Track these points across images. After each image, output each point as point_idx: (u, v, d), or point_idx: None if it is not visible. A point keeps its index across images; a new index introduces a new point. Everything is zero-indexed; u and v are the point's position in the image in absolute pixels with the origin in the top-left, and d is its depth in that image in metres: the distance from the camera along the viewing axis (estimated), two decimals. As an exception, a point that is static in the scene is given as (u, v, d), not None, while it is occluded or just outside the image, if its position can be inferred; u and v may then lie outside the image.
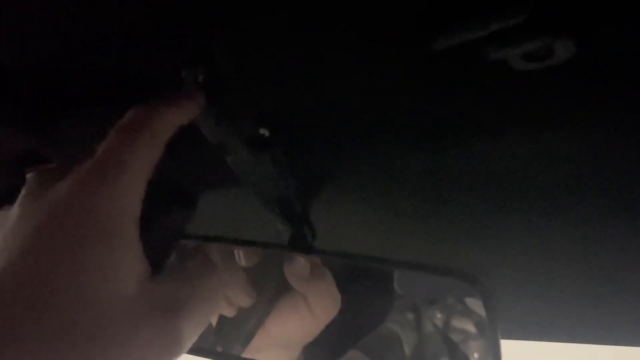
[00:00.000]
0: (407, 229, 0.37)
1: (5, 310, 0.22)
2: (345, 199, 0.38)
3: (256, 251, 0.48)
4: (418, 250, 0.37)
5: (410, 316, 0.53)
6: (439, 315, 0.54)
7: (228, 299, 0.51)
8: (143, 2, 0.28)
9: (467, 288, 0.35)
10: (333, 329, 0.51)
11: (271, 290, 0.51)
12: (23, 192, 0.30)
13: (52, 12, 0.29)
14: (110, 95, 0.37)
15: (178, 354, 0.27)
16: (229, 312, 0.52)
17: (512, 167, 0.32)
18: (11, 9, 0.30)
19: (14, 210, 0.28)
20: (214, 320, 0.53)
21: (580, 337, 0.42)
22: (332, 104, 0.31)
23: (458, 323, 0.53)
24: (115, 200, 0.26)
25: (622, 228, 0.36)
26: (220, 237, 0.41)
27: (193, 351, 0.47)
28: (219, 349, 0.52)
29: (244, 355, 0.51)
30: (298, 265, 0.48)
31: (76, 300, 0.23)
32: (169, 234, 0.32)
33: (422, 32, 0.23)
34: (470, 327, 0.52)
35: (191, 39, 0.31)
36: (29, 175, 0.31)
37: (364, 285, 0.52)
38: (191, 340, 0.28)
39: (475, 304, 0.51)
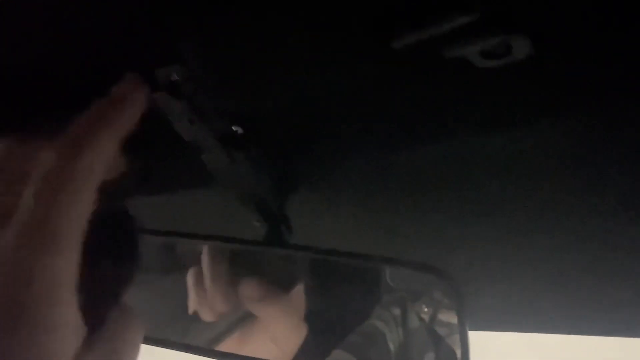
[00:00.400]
0: (377, 224, 0.38)
1: None
2: (320, 196, 0.39)
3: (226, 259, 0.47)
4: (389, 245, 0.37)
5: (396, 311, 0.53)
6: (425, 309, 0.55)
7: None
8: (115, 3, 0.29)
9: (434, 281, 0.36)
10: (316, 330, 0.51)
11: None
12: None
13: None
14: (83, 98, 0.38)
15: None
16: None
17: (478, 160, 0.33)
18: None
19: None
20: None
21: (553, 327, 0.43)
22: (303, 101, 0.32)
23: (444, 316, 0.53)
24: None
25: (595, 220, 0.37)
26: (195, 234, 0.42)
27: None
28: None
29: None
30: (247, 287, 0.46)
31: None
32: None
33: (382, 32, 0.24)
34: (455, 321, 0.52)
35: (163, 38, 0.31)
36: None
37: (347, 283, 0.52)
38: None
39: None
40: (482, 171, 0.34)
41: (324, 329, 0.51)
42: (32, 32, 0.31)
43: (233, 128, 0.35)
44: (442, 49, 0.24)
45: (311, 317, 0.51)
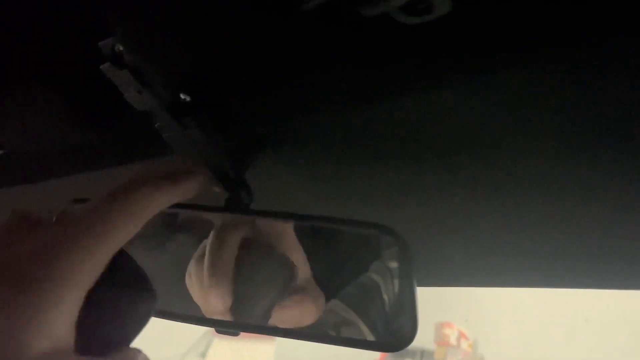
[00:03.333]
0: (332, 185, 0.38)
1: None
2: (276, 160, 0.40)
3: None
4: (343, 206, 0.38)
5: (393, 265, 0.54)
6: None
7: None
8: None
9: (389, 240, 0.37)
10: (317, 281, 0.52)
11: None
12: None
13: None
14: (44, 72, 0.38)
15: None
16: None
17: (421, 121, 0.34)
18: None
19: None
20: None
21: (505, 281, 0.44)
22: (241, 66, 0.32)
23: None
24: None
25: (539, 170, 0.37)
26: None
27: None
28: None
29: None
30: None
31: None
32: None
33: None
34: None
35: (104, 10, 0.32)
36: None
37: (346, 238, 0.53)
38: None
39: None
40: (428, 129, 0.34)
41: (323, 282, 0.52)
42: None
43: (181, 96, 0.36)
44: (358, 7, 0.25)
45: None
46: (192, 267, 0.45)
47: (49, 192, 0.49)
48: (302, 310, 0.48)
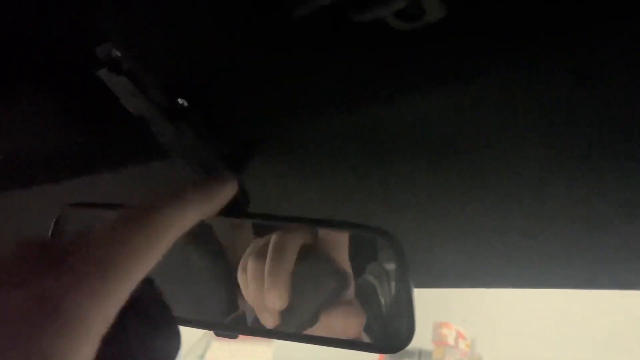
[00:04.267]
0: (326, 189, 0.39)
1: None
2: (272, 163, 0.40)
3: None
4: (338, 208, 0.38)
5: (389, 267, 0.54)
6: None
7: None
8: None
9: (383, 242, 0.37)
10: None
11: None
12: None
13: None
14: (40, 78, 0.39)
15: None
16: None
17: (416, 123, 0.34)
18: None
19: None
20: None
21: (501, 282, 0.44)
22: (237, 71, 0.32)
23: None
24: None
25: (535, 174, 0.38)
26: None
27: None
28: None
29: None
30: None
31: None
32: None
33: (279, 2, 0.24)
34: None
35: (100, 15, 0.32)
36: None
37: None
38: None
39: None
40: (423, 131, 0.35)
41: None
42: None
43: (179, 101, 0.36)
44: (348, 13, 0.25)
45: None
46: (249, 265, 0.45)
47: (44, 197, 0.49)
48: (347, 322, 0.48)
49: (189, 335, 3.48)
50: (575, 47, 0.28)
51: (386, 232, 0.36)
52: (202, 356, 3.46)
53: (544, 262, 0.45)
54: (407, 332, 0.37)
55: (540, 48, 0.27)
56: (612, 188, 0.40)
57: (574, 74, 0.30)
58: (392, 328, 0.49)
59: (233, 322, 0.47)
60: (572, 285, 0.51)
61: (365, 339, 0.48)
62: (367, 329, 0.50)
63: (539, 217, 0.40)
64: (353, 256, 0.54)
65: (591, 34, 0.27)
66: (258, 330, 0.44)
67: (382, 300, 0.53)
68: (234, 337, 0.41)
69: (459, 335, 3.47)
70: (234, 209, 0.41)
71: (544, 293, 3.11)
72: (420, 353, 3.38)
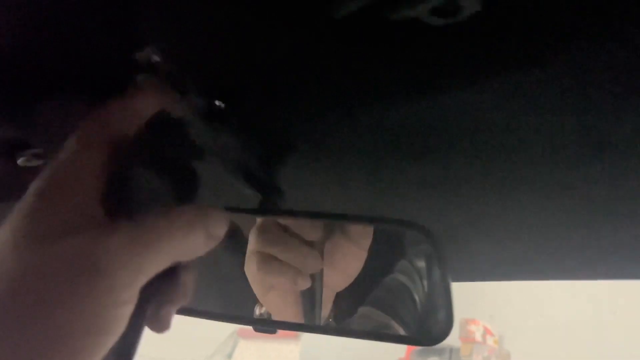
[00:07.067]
0: (363, 185, 0.39)
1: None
2: (307, 161, 0.41)
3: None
4: (374, 204, 0.39)
5: (420, 264, 0.54)
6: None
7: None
8: None
9: (419, 237, 0.37)
10: (344, 290, 0.53)
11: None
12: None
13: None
14: (81, 82, 0.40)
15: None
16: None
17: (451, 119, 0.34)
18: None
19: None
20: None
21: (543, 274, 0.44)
22: (273, 72, 0.33)
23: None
24: None
25: (577, 171, 0.38)
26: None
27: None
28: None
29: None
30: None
31: None
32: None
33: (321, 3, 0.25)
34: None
35: (140, 21, 0.33)
36: None
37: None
38: None
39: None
40: (461, 128, 0.35)
41: (349, 288, 0.53)
42: (6, 24, 0.33)
43: (216, 103, 0.37)
44: (387, 12, 0.25)
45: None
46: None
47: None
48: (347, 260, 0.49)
49: (216, 336, 3.51)
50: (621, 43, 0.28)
51: (424, 227, 0.36)
52: (229, 355, 3.49)
53: (581, 253, 0.44)
54: (446, 325, 0.37)
55: (581, 41, 0.27)
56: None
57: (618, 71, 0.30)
58: (428, 323, 0.50)
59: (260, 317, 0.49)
60: (609, 276, 0.50)
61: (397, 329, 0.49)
62: (403, 325, 0.50)
63: (576, 209, 0.40)
64: (380, 256, 0.55)
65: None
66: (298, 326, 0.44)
67: (417, 298, 0.53)
68: (273, 331, 0.42)
69: (486, 332, 3.43)
70: (269, 206, 0.42)
71: (571, 286, 3.06)
72: (452, 350, 3.35)
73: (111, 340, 0.27)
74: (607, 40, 0.28)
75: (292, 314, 0.50)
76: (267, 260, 0.46)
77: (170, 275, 0.31)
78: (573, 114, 0.34)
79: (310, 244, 0.46)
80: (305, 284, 0.47)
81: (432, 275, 0.54)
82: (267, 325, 0.46)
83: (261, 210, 0.42)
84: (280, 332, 0.46)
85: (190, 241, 0.29)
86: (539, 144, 0.35)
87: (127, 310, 0.28)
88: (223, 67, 0.34)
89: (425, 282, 0.53)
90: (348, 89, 0.33)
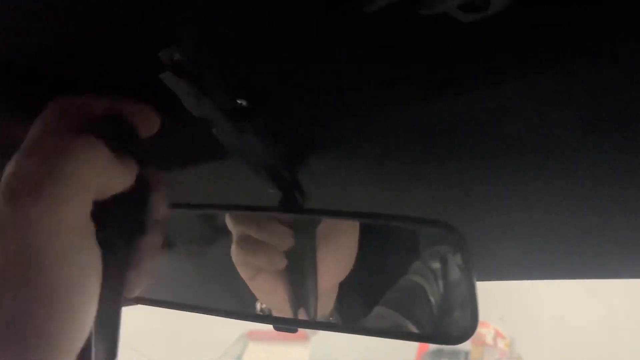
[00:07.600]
0: (386, 184, 0.39)
1: None
2: (330, 160, 0.41)
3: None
4: (398, 204, 0.39)
5: (435, 265, 0.54)
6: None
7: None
8: None
9: (445, 235, 0.37)
10: (353, 288, 0.53)
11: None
12: None
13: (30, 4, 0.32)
14: (98, 84, 0.40)
15: None
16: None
17: (476, 117, 0.34)
18: None
19: None
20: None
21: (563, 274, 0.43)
22: (298, 69, 0.33)
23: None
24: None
25: (596, 169, 0.37)
26: (213, 204, 0.44)
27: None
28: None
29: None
30: None
31: None
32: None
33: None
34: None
35: (163, 19, 0.33)
36: None
37: (382, 241, 0.54)
38: None
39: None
40: (483, 128, 0.35)
41: (360, 288, 0.53)
42: (32, 23, 0.33)
43: (238, 101, 0.37)
44: (417, 7, 0.25)
45: (347, 276, 0.53)
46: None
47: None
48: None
49: (226, 338, 3.52)
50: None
51: (450, 226, 0.36)
52: (239, 357, 3.50)
53: (606, 253, 0.44)
54: (471, 324, 0.37)
55: (613, 41, 0.27)
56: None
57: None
58: (444, 323, 0.49)
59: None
60: (629, 275, 0.49)
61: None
62: (419, 326, 0.50)
63: (601, 211, 0.40)
64: (394, 257, 0.55)
65: None
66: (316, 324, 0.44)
67: (432, 300, 0.53)
68: (294, 330, 0.42)
69: (497, 335, 3.41)
70: (291, 205, 0.42)
71: (584, 288, 3.04)
72: (463, 353, 3.34)
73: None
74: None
75: (282, 300, 0.51)
76: (245, 239, 0.48)
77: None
78: (617, 111, 0.33)
79: (284, 224, 0.48)
80: (282, 263, 0.49)
81: (448, 275, 0.54)
82: (269, 321, 0.46)
83: (282, 209, 0.42)
84: (284, 334, 0.46)
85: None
86: (570, 145, 0.35)
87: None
88: (247, 66, 0.34)
89: (440, 283, 0.53)
90: (374, 88, 0.33)
